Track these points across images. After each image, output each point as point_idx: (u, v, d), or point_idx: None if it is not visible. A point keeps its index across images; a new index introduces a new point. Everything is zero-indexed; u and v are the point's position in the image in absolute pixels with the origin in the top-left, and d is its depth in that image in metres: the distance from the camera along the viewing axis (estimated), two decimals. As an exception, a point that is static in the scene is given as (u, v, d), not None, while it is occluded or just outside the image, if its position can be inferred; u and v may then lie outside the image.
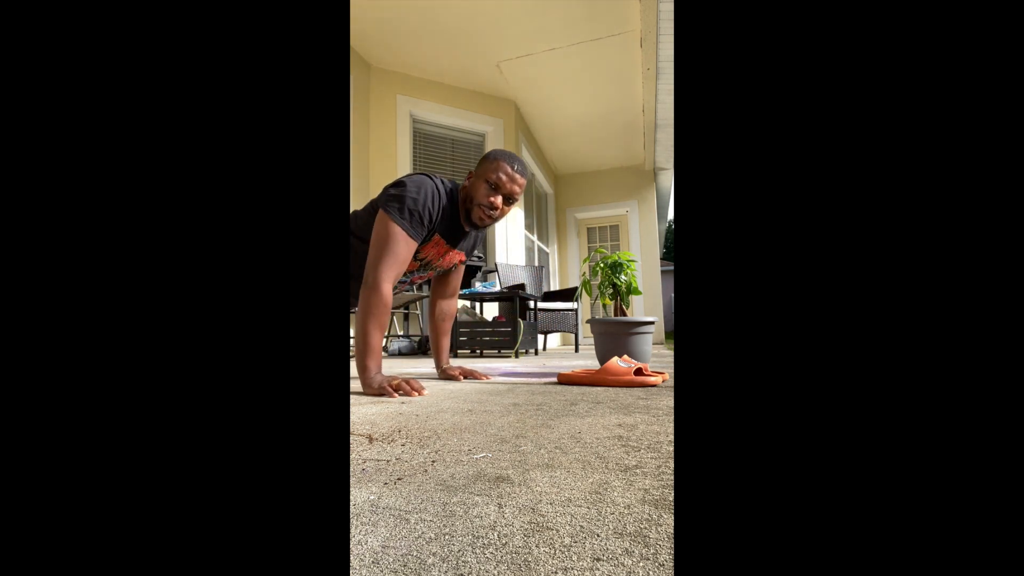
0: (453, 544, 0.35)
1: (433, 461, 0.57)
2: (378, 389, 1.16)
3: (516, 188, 1.35)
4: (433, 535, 0.36)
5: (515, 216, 4.45)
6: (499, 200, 1.35)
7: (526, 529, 0.37)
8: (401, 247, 1.25)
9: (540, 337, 4.78)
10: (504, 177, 1.33)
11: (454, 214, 1.39)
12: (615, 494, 0.45)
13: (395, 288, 1.48)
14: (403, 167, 3.76)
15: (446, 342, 1.68)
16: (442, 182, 1.37)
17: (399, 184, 1.30)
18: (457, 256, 1.52)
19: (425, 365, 2.29)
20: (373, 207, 1.37)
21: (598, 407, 0.97)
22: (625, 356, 1.44)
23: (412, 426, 0.79)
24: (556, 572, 0.30)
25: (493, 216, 1.37)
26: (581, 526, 0.37)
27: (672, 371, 1.70)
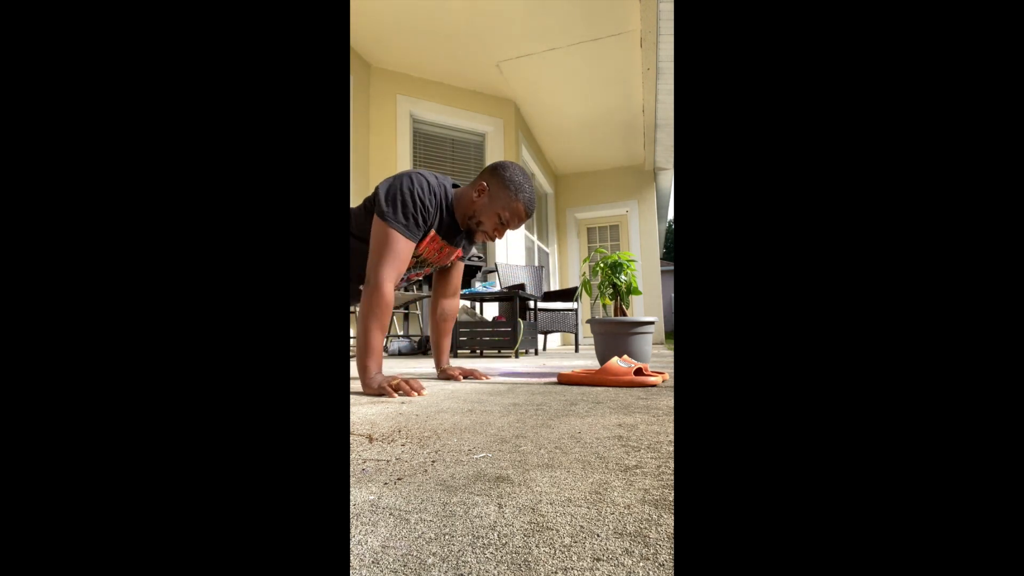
0: (453, 544, 0.35)
1: (433, 461, 0.57)
2: (378, 389, 1.16)
3: (522, 226, 1.46)
4: (433, 535, 0.36)
5: (515, 216, 4.44)
6: (504, 232, 1.41)
7: (526, 529, 0.37)
8: (400, 247, 1.27)
9: (540, 337, 4.78)
10: (517, 221, 1.40)
11: (452, 215, 1.40)
12: (615, 494, 0.45)
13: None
14: (403, 167, 3.75)
15: (447, 342, 1.68)
16: (438, 180, 1.38)
17: (397, 180, 1.30)
18: (454, 253, 1.53)
19: (425, 365, 2.29)
20: (367, 205, 1.37)
21: (598, 407, 0.97)
22: (625, 356, 1.44)
23: (412, 426, 0.79)
24: (556, 572, 0.30)
25: (492, 240, 1.44)
26: (581, 526, 0.37)
27: (672, 371, 1.70)
